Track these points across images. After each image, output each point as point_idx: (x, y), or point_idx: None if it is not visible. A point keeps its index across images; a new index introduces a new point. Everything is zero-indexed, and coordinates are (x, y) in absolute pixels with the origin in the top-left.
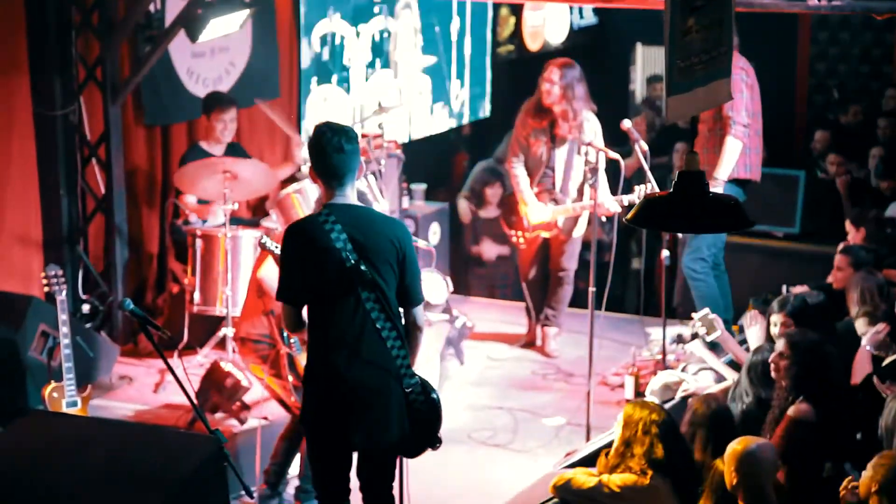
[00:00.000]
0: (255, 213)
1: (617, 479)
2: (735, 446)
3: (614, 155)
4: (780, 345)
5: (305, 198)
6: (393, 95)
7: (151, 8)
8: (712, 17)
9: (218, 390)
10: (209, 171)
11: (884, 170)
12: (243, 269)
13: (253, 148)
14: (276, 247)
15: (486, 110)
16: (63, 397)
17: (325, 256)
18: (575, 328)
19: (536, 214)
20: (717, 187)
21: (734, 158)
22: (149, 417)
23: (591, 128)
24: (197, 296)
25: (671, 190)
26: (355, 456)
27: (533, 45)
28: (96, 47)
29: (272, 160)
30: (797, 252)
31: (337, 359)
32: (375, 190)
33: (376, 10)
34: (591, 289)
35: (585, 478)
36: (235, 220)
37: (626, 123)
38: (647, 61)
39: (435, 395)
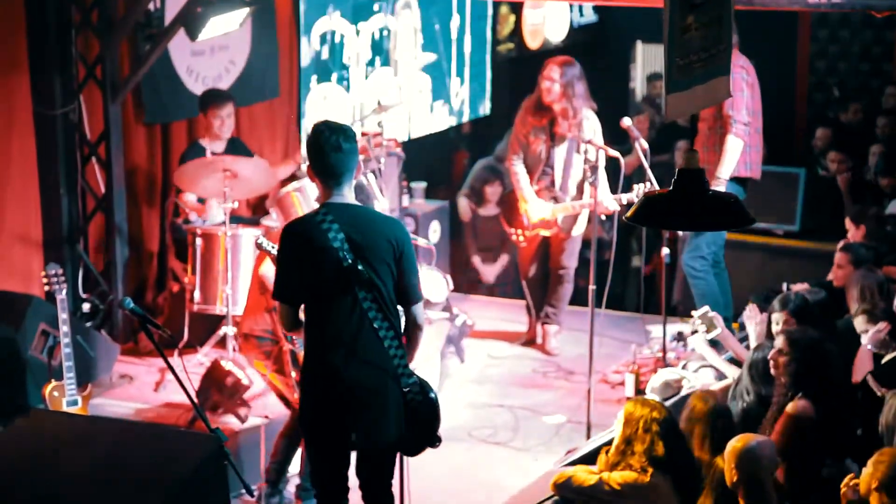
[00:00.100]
0: (255, 211)
1: (617, 477)
2: (735, 443)
3: (614, 153)
4: (780, 342)
5: (305, 196)
6: (393, 93)
7: (151, 6)
8: (711, 14)
9: (218, 389)
10: (209, 169)
11: (884, 167)
12: (243, 267)
13: (253, 146)
14: (273, 246)
15: (485, 108)
16: (63, 396)
17: (322, 256)
18: (575, 326)
19: (536, 212)
20: (720, 186)
21: (735, 157)
22: (149, 416)
23: (591, 126)
24: (197, 294)
25: (671, 188)
26: (354, 455)
27: (533, 42)
28: (96, 46)
29: (272, 158)
30: (797, 250)
31: (334, 358)
32: (375, 188)
33: (376, 8)
34: (592, 287)
35: (586, 475)
36: (235, 218)
37: (626, 121)
38: (648, 59)
39: (433, 395)
